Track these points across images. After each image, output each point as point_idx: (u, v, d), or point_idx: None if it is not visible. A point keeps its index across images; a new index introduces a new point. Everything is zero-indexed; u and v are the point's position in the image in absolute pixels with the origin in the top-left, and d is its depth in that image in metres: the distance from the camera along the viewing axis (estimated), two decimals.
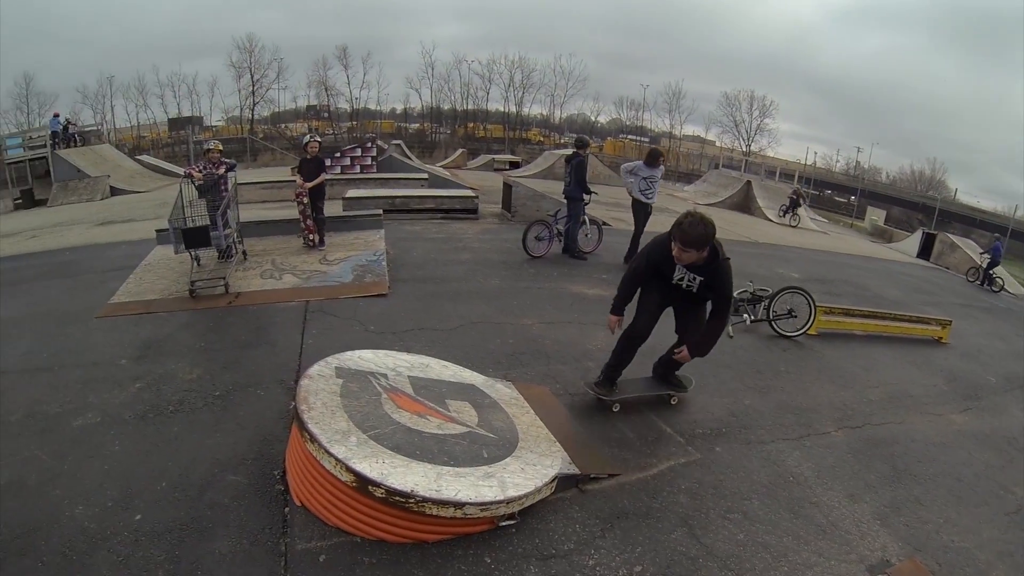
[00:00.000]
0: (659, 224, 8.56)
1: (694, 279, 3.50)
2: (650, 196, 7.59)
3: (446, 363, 3.91)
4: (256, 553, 2.68)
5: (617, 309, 3.88)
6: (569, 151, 9.21)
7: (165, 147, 42.33)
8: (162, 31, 49.17)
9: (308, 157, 7.68)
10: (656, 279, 3.71)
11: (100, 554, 2.74)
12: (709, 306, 3.72)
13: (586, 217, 8.28)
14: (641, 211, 7.66)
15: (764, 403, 4.46)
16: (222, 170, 7.09)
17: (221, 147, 7.50)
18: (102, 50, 51.94)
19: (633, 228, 7.71)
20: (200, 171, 6.91)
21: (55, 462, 3.49)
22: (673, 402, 4.01)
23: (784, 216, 20.76)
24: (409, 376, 3.56)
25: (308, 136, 8.13)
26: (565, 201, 8.21)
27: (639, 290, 3.85)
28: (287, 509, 2.95)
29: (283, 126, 47.43)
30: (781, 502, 3.27)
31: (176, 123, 44.97)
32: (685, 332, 3.86)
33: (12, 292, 7.35)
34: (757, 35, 55.74)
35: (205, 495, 3.08)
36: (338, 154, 17.05)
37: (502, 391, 3.78)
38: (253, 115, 46.78)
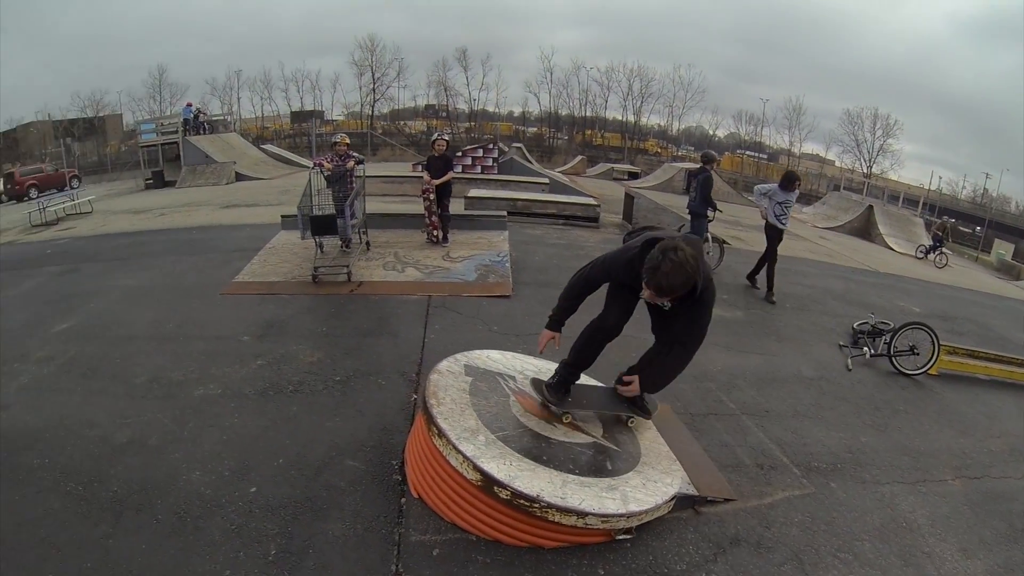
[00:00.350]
0: (785, 247, 8.79)
1: (665, 304, 3.34)
2: (784, 221, 8.33)
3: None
4: (369, 539, 3.07)
5: (555, 323, 3.63)
6: (689, 164, 10.21)
7: (287, 138, 50.55)
8: (289, 29, 61.32)
9: (436, 155, 8.81)
10: (621, 286, 3.60)
11: (214, 520, 3.22)
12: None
13: (709, 235, 9.27)
14: (775, 236, 8.38)
15: (881, 442, 4.79)
16: (351, 163, 8.31)
17: (348, 140, 8.72)
18: (231, 45, 65.47)
19: (764, 249, 8.44)
20: (330, 162, 8.20)
21: (175, 427, 4.17)
22: (630, 424, 3.94)
23: (928, 256, 20.48)
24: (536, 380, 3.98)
25: (436, 134, 9.38)
26: (688, 216, 9.16)
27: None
28: (403, 500, 3.35)
29: (402, 123, 55.25)
30: (892, 548, 3.51)
31: (298, 116, 53.69)
32: (665, 336, 3.76)
33: (142, 264, 8.99)
34: (884, 49, 57.89)
35: (321, 476, 3.57)
36: (460, 153, 18.93)
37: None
38: (373, 111, 55.81)
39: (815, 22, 58.84)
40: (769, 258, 8.39)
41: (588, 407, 3.94)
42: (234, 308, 6.48)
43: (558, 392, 3.75)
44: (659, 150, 54.76)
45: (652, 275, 2.92)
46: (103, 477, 3.72)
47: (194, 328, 5.99)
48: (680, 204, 10.54)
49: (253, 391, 4.61)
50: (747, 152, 54.44)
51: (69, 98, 48.72)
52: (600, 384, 4.17)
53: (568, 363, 3.79)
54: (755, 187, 9.35)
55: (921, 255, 20.67)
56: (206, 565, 2.95)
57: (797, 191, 8.56)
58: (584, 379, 4.05)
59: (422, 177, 9.28)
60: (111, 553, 3.08)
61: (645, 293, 3.10)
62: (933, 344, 6.43)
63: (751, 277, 8.74)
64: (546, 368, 4.17)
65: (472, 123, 54.27)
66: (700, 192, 8.79)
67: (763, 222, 8.60)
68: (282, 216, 9.94)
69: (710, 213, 8.95)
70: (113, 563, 3.01)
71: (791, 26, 59.38)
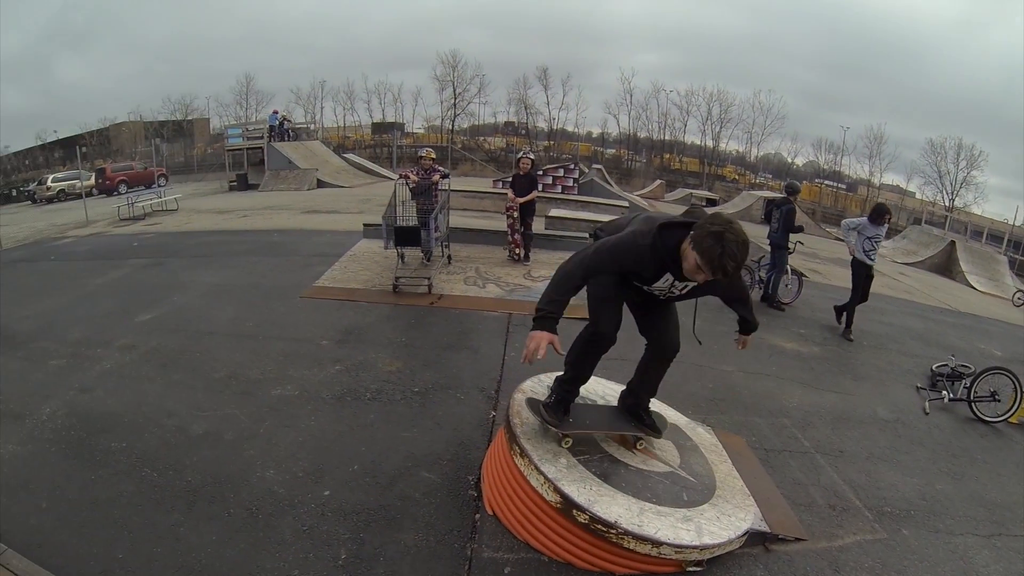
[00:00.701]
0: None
1: (686, 287, 3.25)
2: (872, 257, 8.34)
3: (652, 399, 4.33)
4: (441, 552, 3.21)
5: (551, 323, 3.14)
6: (768, 193, 10.25)
7: (367, 148, 53.31)
8: (372, 43, 69.01)
9: (520, 173, 9.25)
10: (616, 281, 3.45)
11: (285, 519, 3.42)
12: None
13: (788, 267, 9.51)
14: (863, 272, 8.41)
15: (956, 491, 4.73)
16: (436, 177, 8.77)
17: (434, 155, 9.20)
18: (317, 57, 73.48)
19: (851, 289, 8.41)
20: (415, 175, 8.70)
21: (252, 424, 4.45)
22: (640, 447, 3.80)
23: None
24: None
25: (521, 152, 9.86)
26: (769, 248, 9.44)
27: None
28: (477, 516, 3.49)
29: (481, 139, 57.78)
30: None
31: (379, 127, 57.40)
32: (661, 331, 3.71)
33: (223, 263, 9.65)
34: (970, 77, 57.18)
35: (396, 486, 3.74)
36: (540, 172, 19.51)
37: (703, 436, 4.34)
38: (453, 126, 58.79)
39: (901, 47, 59.00)
40: (858, 297, 8.41)
41: (591, 428, 3.85)
42: (313, 311, 6.86)
43: (557, 412, 3.61)
44: (737, 177, 55.58)
45: (721, 260, 2.78)
46: (178, 466, 4.01)
47: (273, 328, 6.39)
48: (759, 233, 10.65)
49: (330, 395, 4.90)
50: (825, 181, 54.71)
51: (160, 101, 54.08)
52: (599, 402, 4.12)
53: (565, 379, 3.67)
54: (843, 222, 9.43)
55: (1021, 302, 19.43)
56: (275, 563, 3.11)
57: (887, 225, 8.60)
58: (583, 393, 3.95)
59: (504, 194, 9.80)
60: (181, 541, 3.30)
61: (691, 267, 2.91)
62: (1016, 391, 6.35)
63: (845, 323, 8.55)
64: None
65: (551, 142, 56.06)
66: (783, 223, 9.04)
67: (849, 257, 8.63)
68: (364, 224, 10.49)
69: (790, 245, 9.20)
70: (183, 551, 3.22)
71: (876, 51, 59.92)
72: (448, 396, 4.94)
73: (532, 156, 9.59)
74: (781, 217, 9.04)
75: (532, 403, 3.74)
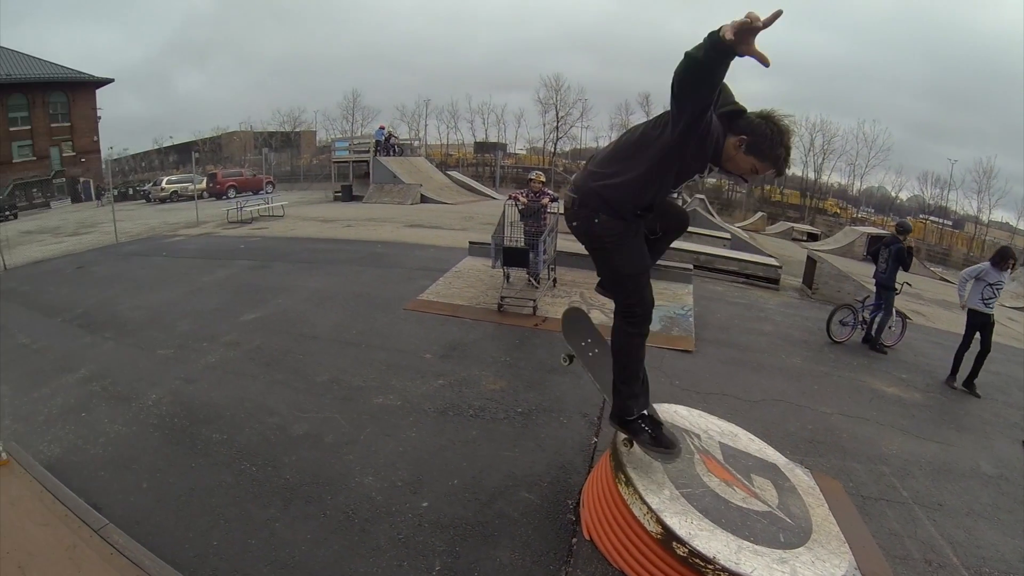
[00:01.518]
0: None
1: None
2: (991, 305, 7.96)
3: (752, 436, 4.54)
4: (535, 572, 3.30)
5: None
6: (871, 229, 10.17)
7: (470, 166, 55.74)
8: (477, 64, 72.92)
9: None
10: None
11: (381, 526, 3.54)
12: None
13: (894, 309, 9.34)
14: (978, 322, 7.99)
15: None
16: (545, 200, 9.04)
17: (543, 178, 9.48)
18: (421, 75, 79.70)
19: (963, 335, 8.00)
20: (525, 197, 9.00)
21: (352, 430, 4.65)
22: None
23: None
24: (720, 442, 4.23)
25: None
26: (875, 288, 9.31)
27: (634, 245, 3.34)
28: (574, 540, 3.55)
29: (583, 163, 57.98)
30: None
31: (482, 147, 59.96)
32: (669, 215, 3.68)
33: (327, 270, 10.18)
34: None
35: (495, 503, 3.83)
36: None
37: (800, 477, 4.32)
38: (555, 148, 61.22)
39: (1013, 75, 55.14)
40: (967, 346, 7.99)
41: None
42: (417, 324, 7.12)
43: (658, 433, 3.51)
44: (838, 210, 55.05)
45: (782, 141, 2.88)
46: (277, 463, 4.24)
47: (376, 338, 6.68)
48: (861, 271, 10.60)
49: (433, 408, 5.07)
50: (931, 217, 54.10)
51: (270, 113, 60.17)
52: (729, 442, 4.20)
53: (642, 378, 3.59)
54: (961, 273, 8.95)
55: None
56: (368, 568, 3.22)
57: (1011, 270, 8.27)
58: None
59: None
60: (276, 536, 3.48)
61: (769, 171, 2.91)
62: None
63: (951, 370, 8.06)
64: (728, 431, 4.40)
65: None
66: (892, 264, 8.92)
67: (960, 306, 8.23)
68: (470, 242, 10.84)
69: (897, 285, 9.05)
70: (277, 545, 3.39)
71: (987, 79, 58.32)
72: (551, 419, 5.01)
73: None
74: (890, 257, 8.92)
75: (639, 436, 3.57)
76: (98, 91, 41.73)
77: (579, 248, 12.33)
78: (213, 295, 9.04)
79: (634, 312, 3.39)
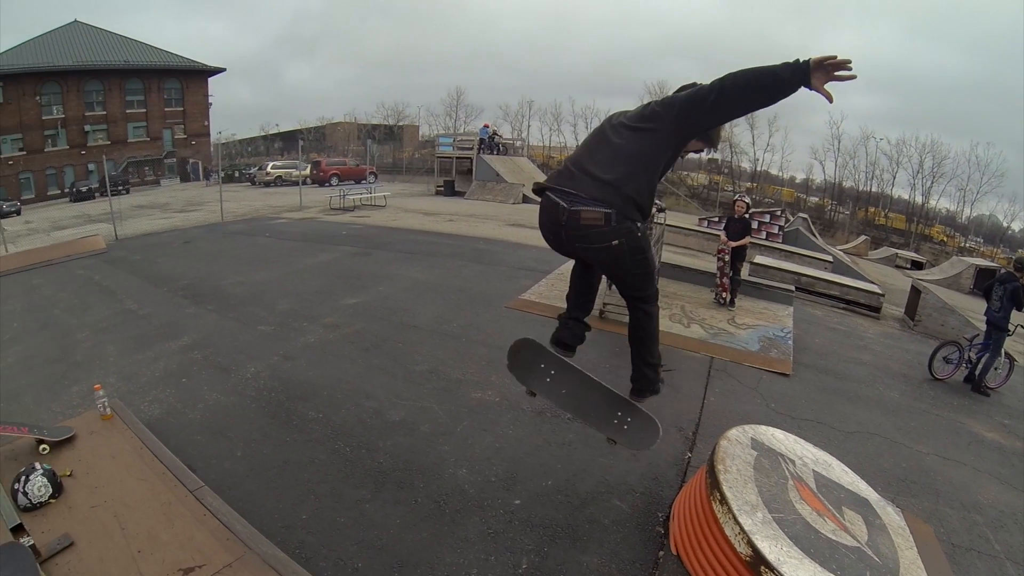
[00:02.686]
0: None
1: None
2: None
3: (846, 468, 4.53)
4: None
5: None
6: (980, 260, 9.39)
7: None
8: (581, 68, 72.87)
9: (735, 216, 9.59)
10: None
11: (472, 519, 3.64)
12: None
13: (1003, 350, 9.01)
14: None
15: None
16: (653, 209, 8.94)
17: None
18: (525, 77, 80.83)
19: None
20: None
21: (449, 421, 4.79)
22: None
23: None
24: (813, 470, 4.29)
25: (737, 196, 10.12)
26: (985, 326, 8.97)
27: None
28: (661, 553, 3.62)
29: (684, 173, 58.32)
30: None
31: None
32: None
33: (428, 262, 10.54)
34: None
35: (587, 508, 3.89)
36: (747, 215, 19.30)
37: (892, 516, 4.30)
38: None
39: None
40: None
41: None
42: (518, 323, 7.24)
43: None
44: (945, 238, 52.60)
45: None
46: (371, 446, 4.41)
47: (477, 333, 6.85)
48: (968, 306, 10.26)
49: (531, 409, 5.14)
50: None
51: (374, 106, 63.40)
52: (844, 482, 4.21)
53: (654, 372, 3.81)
54: None
55: None
56: (455, 558, 3.32)
57: None
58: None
59: (710, 234, 9.91)
60: (366, 516, 3.62)
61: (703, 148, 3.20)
62: None
63: None
64: (822, 459, 4.41)
65: (753, 184, 56.13)
66: (1007, 303, 8.61)
67: None
68: None
69: (1010, 327, 8.71)
70: (366, 526, 3.54)
71: None
72: None
73: (748, 200, 10.01)
74: (1005, 295, 8.62)
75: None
76: (210, 79, 46.61)
77: (681, 260, 12.41)
78: (314, 277, 9.49)
79: (654, 294, 3.46)
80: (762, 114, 55.09)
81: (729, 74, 2.78)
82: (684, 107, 2.89)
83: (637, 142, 2.99)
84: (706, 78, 2.87)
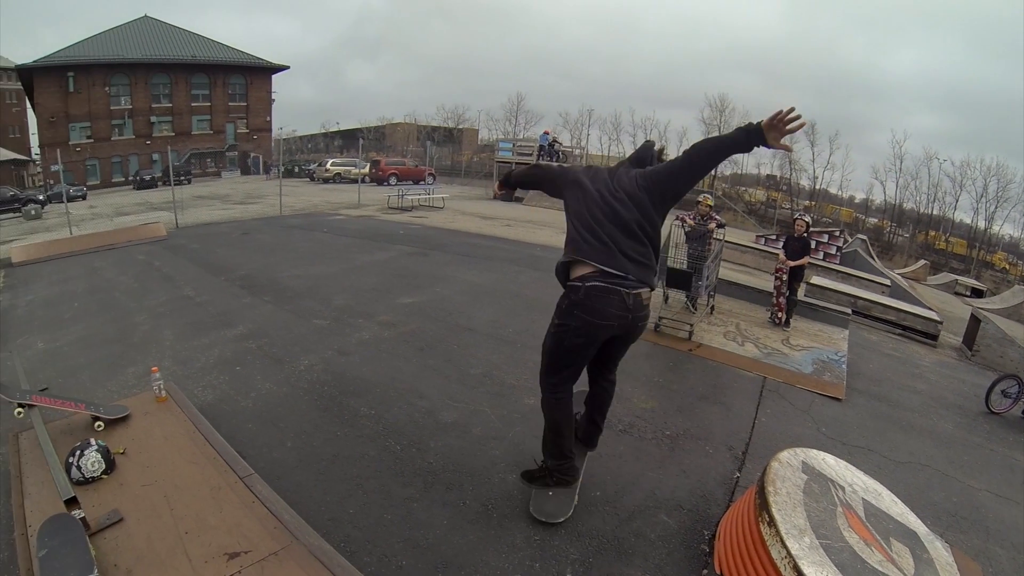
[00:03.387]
0: None
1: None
2: None
3: (895, 498, 4.49)
4: None
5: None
6: None
7: None
8: (641, 78, 75.21)
9: (795, 235, 9.58)
10: None
11: (519, 524, 3.68)
12: None
13: None
14: None
15: None
16: (712, 225, 9.25)
17: (711, 202, 9.65)
18: (586, 85, 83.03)
19: None
20: (692, 219, 9.21)
21: (501, 425, 4.85)
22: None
23: None
24: (863, 498, 4.24)
25: (797, 214, 10.07)
26: None
27: None
28: (705, 572, 3.62)
29: (742, 188, 58.81)
30: None
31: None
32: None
33: (485, 266, 10.71)
34: None
35: (633, 521, 3.91)
36: (806, 233, 19.09)
37: (940, 552, 4.24)
38: (716, 171, 60.74)
39: None
40: None
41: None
42: None
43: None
44: (1007, 266, 51.32)
45: None
46: (422, 446, 4.50)
47: (533, 339, 6.87)
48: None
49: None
50: None
51: (434, 108, 66.07)
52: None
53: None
54: None
55: None
56: (499, 562, 3.37)
57: None
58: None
59: (768, 252, 9.82)
60: (413, 515, 3.69)
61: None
62: None
63: None
64: (872, 488, 4.38)
65: (812, 202, 56.02)
66: None
67: None
68: None
69: None
70: (412, 524, 3.61)
71: None
72: (697, 447, 5.06)
73: (808, 219, 10.00)
74: None
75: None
76: (274, 76, 48.88)
77: (737, 277, 12.47)
78: (371, 275, 9.71)
79: None
80: (823, 131, 55.60)
81: (694, 146, 3.37)
82: (663, 180, 3.42)
83: (644, 215, 3.43)
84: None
